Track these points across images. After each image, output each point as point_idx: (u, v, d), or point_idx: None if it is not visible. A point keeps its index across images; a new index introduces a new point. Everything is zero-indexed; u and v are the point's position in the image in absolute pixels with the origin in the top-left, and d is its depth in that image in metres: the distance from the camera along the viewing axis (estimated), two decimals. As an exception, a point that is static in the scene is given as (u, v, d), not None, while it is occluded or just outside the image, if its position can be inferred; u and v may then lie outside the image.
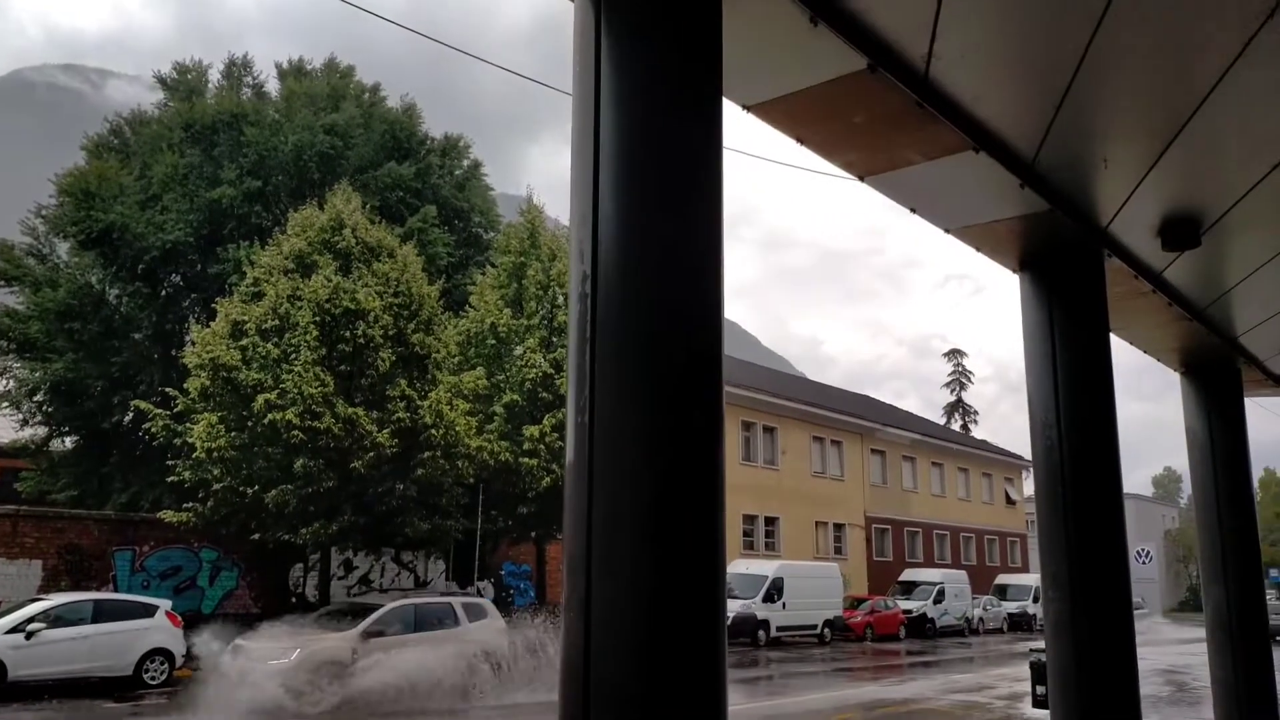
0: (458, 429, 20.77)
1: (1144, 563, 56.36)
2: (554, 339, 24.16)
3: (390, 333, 20.67)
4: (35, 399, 24.91)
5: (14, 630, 15.59)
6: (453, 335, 22.94)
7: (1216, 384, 10.07)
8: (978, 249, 6.84)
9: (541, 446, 22.43)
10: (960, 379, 80.00)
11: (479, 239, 30.65)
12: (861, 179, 5.68)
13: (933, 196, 5.96)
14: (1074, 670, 5.92)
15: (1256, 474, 11.92)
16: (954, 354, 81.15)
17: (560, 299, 24.95)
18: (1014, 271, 7.12)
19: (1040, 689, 11.52)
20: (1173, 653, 28.57)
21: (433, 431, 20.30)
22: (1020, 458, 55.26)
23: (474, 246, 30.06)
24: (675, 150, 3.26)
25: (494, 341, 24.18)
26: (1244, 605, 9.58)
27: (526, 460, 22.31)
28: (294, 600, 23.96)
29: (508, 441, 22.60)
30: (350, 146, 27.44)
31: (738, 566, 30.46)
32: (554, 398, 23.26)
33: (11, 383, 25.29)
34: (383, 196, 26.68)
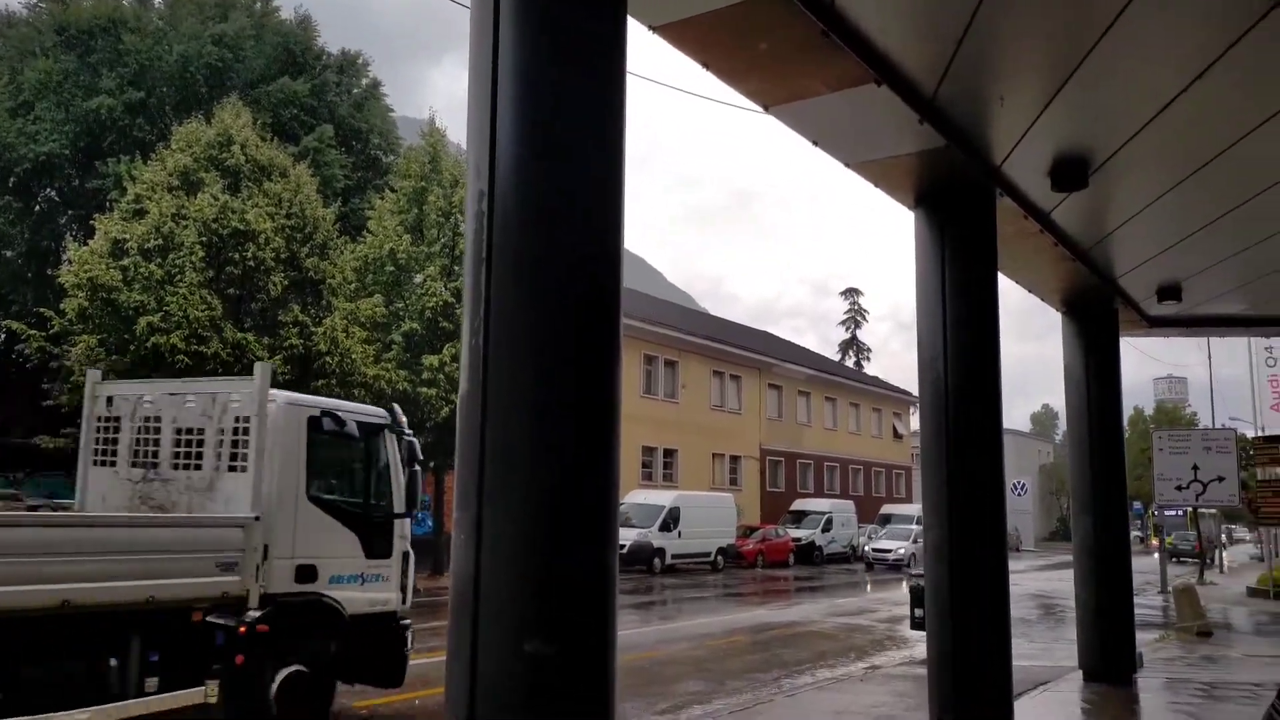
0: (354, 357, 20.29)
1: (1019, 495, 59.48)
2: (455, 267, 23.70)
3: (282, 256, 19.92)
4: (-107, 316, 23.29)
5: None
6: (349, 260, 22.26)
7: (1095, 324, 10.56)
8: (876, 184, 6.94)
9: (441, 376, 22.15)
10: (855, 317, 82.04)
11: (378, 162, 29.67)
12: (766, 109, 5.66)
13: (835, 129, 6.00)
14: (949, 594, 6.22)
15: (1126, 412, 12.61)
16: (850, 293, 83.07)
17: (463, 226, 24.41)
18: (910, 208, 7.26)
19: (919, 611, 12.10)
20: (1041, 578, 30.38)
21: (327, 359, 19.80)
22: (908, 394, 57.28)
23: (372, 169, 29.10)
24: (577, 66, 3.16)
25: (393, 268, 23.59)
26: (1109, 534, 10.21)
27: (425, 390, 22.02)
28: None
29: (406, 371, 22.23)
30: (240, 59, 26.06)
31: (635, 496, 30.91)
32: (454, 327, 22.91)
33: None
34: (275, 113, 25.49)
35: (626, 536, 27.83)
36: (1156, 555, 28.03)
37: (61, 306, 19.09)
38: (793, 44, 4.78)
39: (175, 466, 7.60)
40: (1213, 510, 36.18)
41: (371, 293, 22.71)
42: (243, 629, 6.71)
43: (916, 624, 12.48)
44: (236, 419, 7.32)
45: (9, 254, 23.00)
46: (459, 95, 3.41)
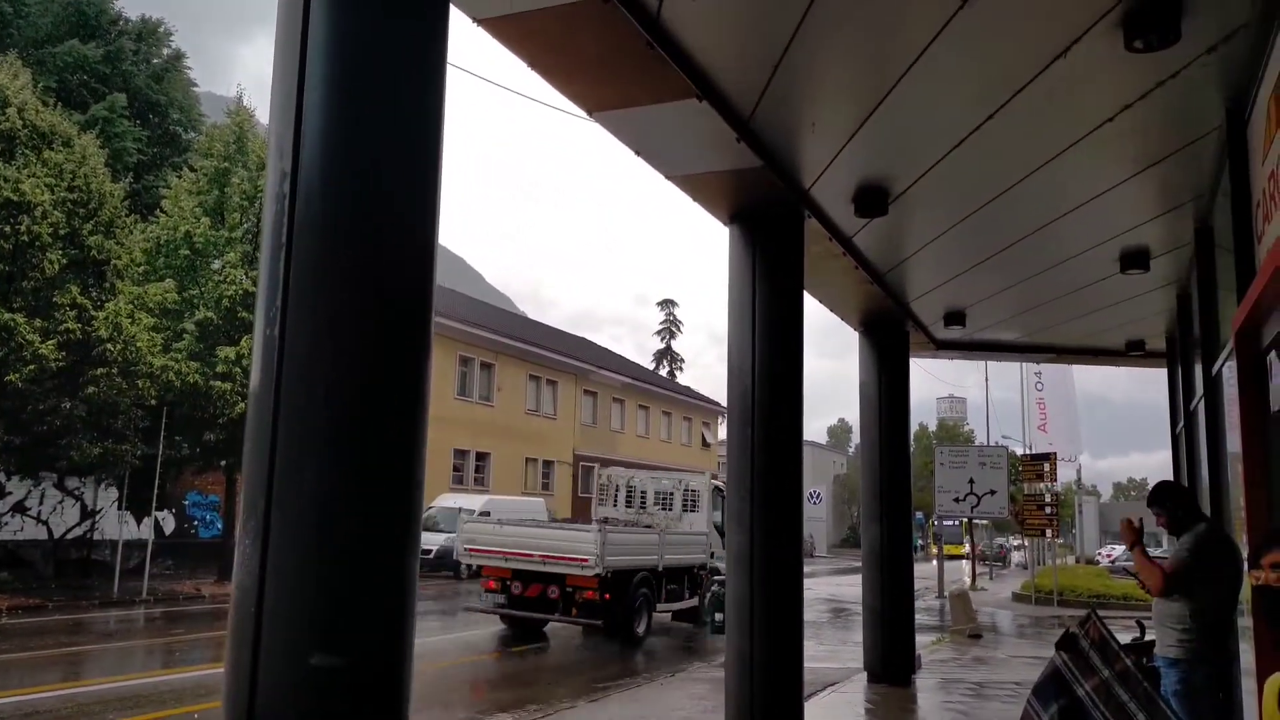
0: (139, 345, 18.85)
1: (815, 503, 62.48)
2: (258, 255, 22.49)
3: (62, 232, 18.26)
4: None
5: None
6: (139, 241, 20.68)
7: (889, 344, 11.21)
8: (694, 198, 7.08)
9: (237, 370, 20.90)
10: (670, 328, 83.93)
11: (177, 138, 27.77)
12: (590, 114, 5.66)
13: (656, 140, 6.07)
14: (749, 599, 6.41)
15: (912, 428, 13.47)
16: (666, 303, 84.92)
17: (268, 212, 23.22)
18: (724, 224, 7.46)
19: (718, 616, 12.44)
20: (832, 582, 31.98)
21: (109, 346, 18.29)
22: (718, 404, 59.10)
23: (171, 146, 27.20)
24: (393, 51, 3.03)
25: (188, 252, 22.06)
26: (895, 541, 10.85)
27: (219, 384, 20.73)
28: (-74, 529, 20.91)
29: (199, 362, 20.85)
30: (22, 15, 23.76)
31: (444, 500, 30.31)
32: (254, 318, 21.72)
33: None
34: (61, 77, 23.39)
35: (433, 541, 27.23)
36: (935, 562, 30.12)
37: None
38: (618, 51, 4.80)
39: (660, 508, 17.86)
40: (985, 521, 39.31)
41: (163, 277, 21.19)
42: (704, 573, 16.68)
43: (717, 629, 12.84)
44: (689, 489, 18.18)
45: None
46: (269, 75, 3.19)
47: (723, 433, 59.25)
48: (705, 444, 59.25)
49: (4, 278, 17.82)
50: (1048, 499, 22.96)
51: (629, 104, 5.40)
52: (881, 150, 6.27)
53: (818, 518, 62.38)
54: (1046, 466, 22.49)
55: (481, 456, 37.85)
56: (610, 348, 65.70)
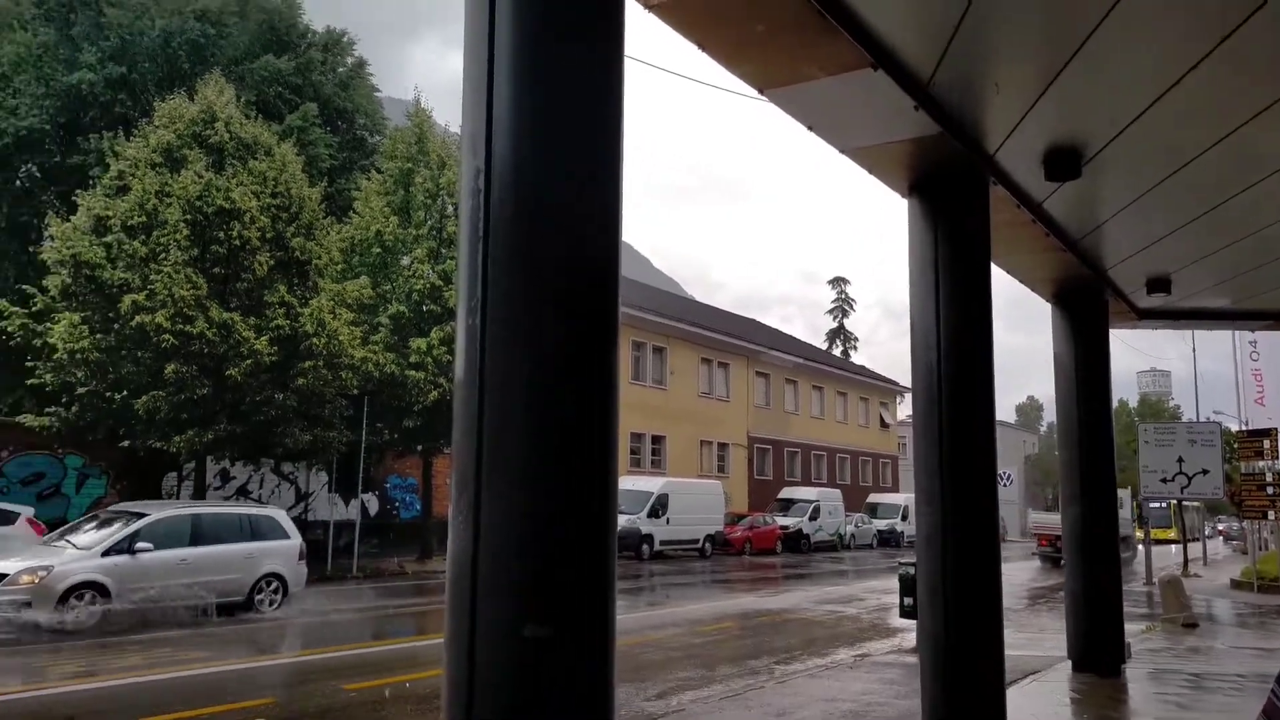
0: (341, 339, 20.18)
1: (1005, 485, 59.80)
2: (443, 250, 23.58)
3: (268, 235, 19.77)
4: None
5: None
6: (335, 241, 22.11)
7: (1085, 315, 10.56)
8: (870, 171, 6.89)
9: (429, 360, 22.05)
10: (843, 306, 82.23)
11: (363, 142, 29.43)
12: (761, 92, 5.61)
13: (830, 114, 5.94)
14: (941, 581, 6.22)
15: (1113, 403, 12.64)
16: (838, 281, 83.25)
17: (450, 209, 24.28)
18: (903, 196, 7.22)
19: (909, 600, 12.14)
20: (1029, 568, 30.58)
21: (314, 340, 19.67)
22: (896, 383, 57.45)
23: (358, 150, 28.86)
24: (575, 41, 3.11)
25: (380, 250, 23.44)
26: (1098, 524, 10.25)
27: (413, 373, 21.92)
28: (165, 511, 23.19)
29: (394, 354, 22.12)
30: (224, 35, 25.77)
31: (624, 482, 30.91)
32: (442, 310, 22.81)
33: None
34: (259, 91, 25.24)
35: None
36: (1141, 546, 28.23)
37: (44, 283, 18.90)
38: (790, 26, 4.73)
39: None
40: (1197, 503, 36.48)
41: (358, 274, 22.57)
42: None
43: (906, 612, 12.53)
44: None
45: (-10, 231, 22.73)
46: (442, 76, 3.34)
47: (902, 412, 57.55)
48: (884, 424, 57.78)
49: (221, 280, 19.46)
50: (1269, 478, 21.08)
51: (801, 79, 5.31)
52: (1073, 109, 5.90)
53: (1009, 500, 59.70)
54: (1266, 443, 20.63)
55: (657, 439, 38.37)
56: (781, 328, 65.02)
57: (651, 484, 31.45)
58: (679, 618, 16.01)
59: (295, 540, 16.23)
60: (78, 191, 20.23)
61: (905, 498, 45.16)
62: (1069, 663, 10.16)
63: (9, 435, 20.58)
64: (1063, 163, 6.56)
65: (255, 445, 20.75)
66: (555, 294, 2.91)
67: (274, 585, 15.55)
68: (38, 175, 24.21)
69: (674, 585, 22.38)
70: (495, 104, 3.02)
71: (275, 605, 15.39)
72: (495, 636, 2.53)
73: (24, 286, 19.58)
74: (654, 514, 30.12)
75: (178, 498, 23.25)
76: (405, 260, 23.47)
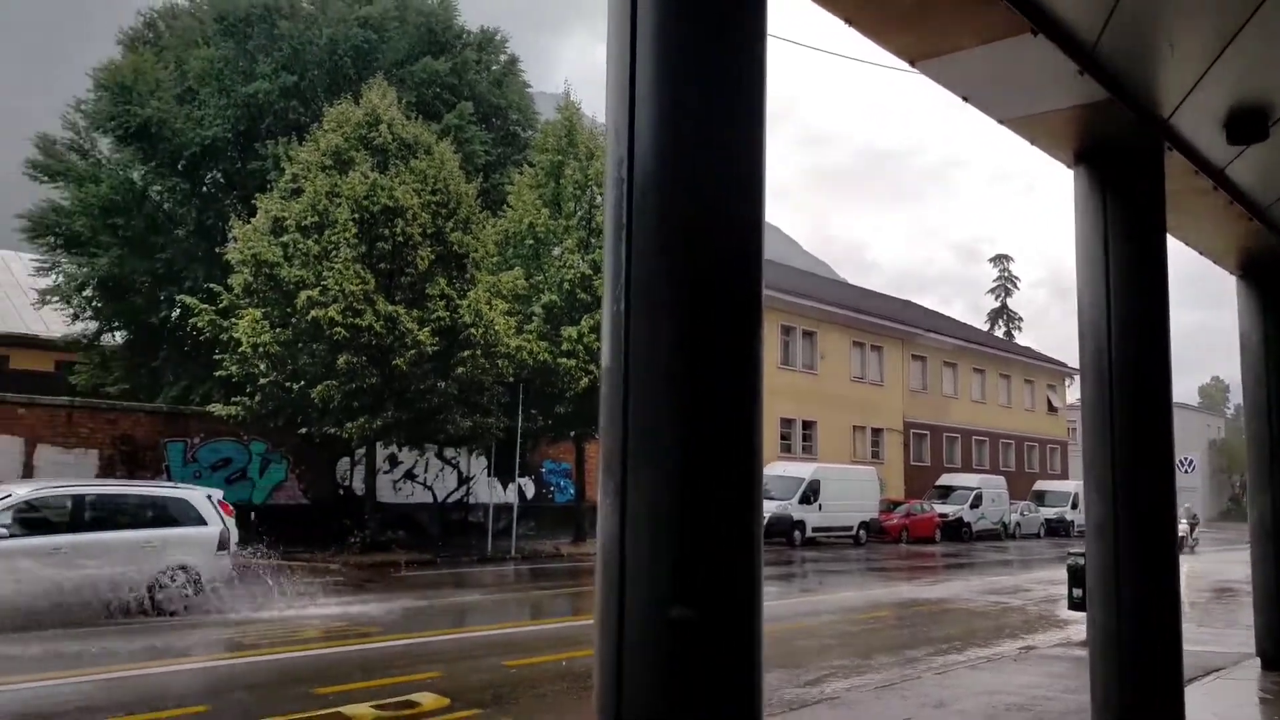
0: (497, 328, 20.84)
1: (1187, 471, 55.90)
2: (592, 240, 23.97)
3: (429, 231, 20.61)
4: (84, 294, 25.34)
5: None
6: (491, 235, 22.83)
7: (1275, 287, 9.74)
8: (1032, 141, 6.56)
9: (580, 347, 22.50)
10: (1005, 284, 78.79)
11: (516, 137, 30.20)
12: (912, 64, 5.42)
13: (987, 84, 5.69)
14: (1114, 573, 5.90)
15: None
16: (999, 259, 79.82)
17: (599, 199, 24.65)
18: (1069, 166, 6.84)
19: (1078, 591, 11.57)
20: (1213, 560, 28.56)
21: (472, 330, 20.41)
22: (1064, 365, 54.61)
23: (511, 145, 29.64)
24: (716, 25, 3.09)
25: (532, 242, 24.07)
26: (1289, 512, 9.46)
27: (565, 361, 22.43)
28: (341, 492, 24.64)
29: (546, 342, 22.69)
30: (385, 40, 26.93)
31: (775, 469, 30.73)
32: (592, 299, 23.21)
33: (60, 278, 25.72)
34: (418, 92, 26.27)
35: (766, 508, 27.60)
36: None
37: (229, 281, 20.35)
38: (942, -5, 4.55)
39: None
40: None
41: (512, 266, 23.24)
42: None
43: (1075, 604, 11.95)
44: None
45: (180, 233, 24.61)
46: (591, 68, 3.39)
47: (1071, 395, 54.70)
48: (1052, 408, 55.09)
49: (386, 274, 20.44)
50: None
51: (954, 48, 5.11)
52: (1258, 65, 5.44)
53: (1190, 487, 55.69)
54: None
55: (808, 425, 37.89)
56: (939, 309, 62.88)
57: (803, 470, 31.09)
58: (833, 605, 15.80)
59: (214, 528, 13.49)
60: (257, 195, 21.67)
61: (1074, 485, 42.95)
62: (1257, 660, 9.44)
63: (200, 424, 22.31)
64: (1247, 124, 6.07)
65: (420, 431, 21.74)
66: (698, 280, 2.91)
67: (181, 580, 12.69)
68: (221, 181, 26.04)
69: (827, 572, 22.08)
70: (637, 93, 3.05)
71: (185, 605, 12.61)
72: (643, 618, 2.57)
73: (212, 285, 21.14)
74: (805, 500, 29.77)
75: (350, 482, 24.66)
76: (556, 251, 24.01)
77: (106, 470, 20.82)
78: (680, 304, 2.87)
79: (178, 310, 23.57)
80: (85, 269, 24.60)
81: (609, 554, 2.65)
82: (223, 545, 13.51)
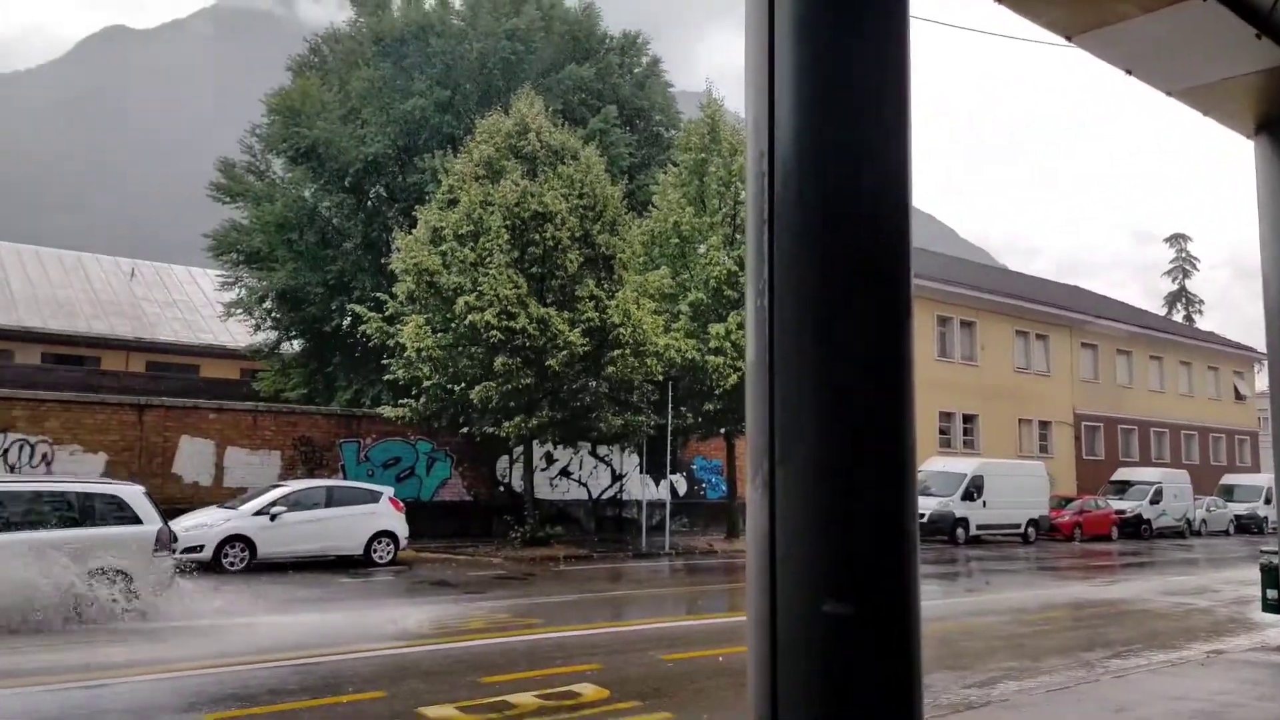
0: (645, 327, 21.07)
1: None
2: (737, 236, 23.90)
3: (577, 234, 21.05)
4: (264, 306, 27.23)
5: (260, 513, 17.43)
6: (637, 235, 23.10)
7: None
8: (1205, 113, 6.14)
9: (727, 344, 22.47)
10: (1183, 266, 73.70)
11: (660, 137, 30.45)
12: (1069, 39, 5.17)
13: (1152, 54, 5.36)
14: (1310, 571, 5.44)
15: None
16: (1176, 239, 74.66)
17: (742, 195, 24.54)
18: (1247, 137, 6.37)
19: (1272, 593, 10.73)
20: None
21: (621, 330, 20.71)
22: (1252, 350, 50.58)
23: (655, 145, 29.91)
24: (856, 13, 3.05)
25: (677, 240, 24.20)
26: None
27: (712, 358, 22.45)
28: (501, 489, 25.51)
29: (694, 340, 22.78)
30: (531, 50, 27.67)
31: (934, 464, 29.78)
32: (738, 295, 23.13)
33: (243, 291, 27.73)
34: (565, 99, 26.86)
35: (926, 505, 26.91)
36: None
37: (393, 290, 21.40)
38: (1100, -38, 4.33)
39: None
40: None
41: (658, 265, 23.43)
42: None
43: (1270, 606, 11.08)
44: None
45: (348, 245, 26.05)
46: (734, 65, 3.40)
47: (1261, 382, 50.61)
48: (1239, 396, 51.13)
49: (538, 278, 21.01)
50: None
51: (1116, 19, 4.85)
52: None
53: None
54: None
55: (968, 418, 36.54)
56: (1109, 294, 59.39)
57: (964, 465, 30.00)
58: (1000, 605, 15.20)
59: (149, 527, 12.13)
60: (416, 207, 22.69)
61: (1267, 478, 39.73)
62: None
63: (372, 425, 23.54)
64: None
65: (573, 429, 22.25)
66: (842, 272, 2.88)
67: (111, 587, 11.35)
68: (384, 195, 27.40)
69: (994, 571, 21.25)
70: (777, 86, 3.04)
71: (121, 613, 11.27)
72: (795, 613, 2.56)
73: (378, 294, 22.29)
74: (968, 497, 28.71)
75: (509, 479, 25.49)
76: (701, 248, 24.05)
77: (287, 470, 22.26)
78: (824, 296, 2.85)
79: (348, 318, 24.98)
80: (264, 282, 26.42)
81: (759, 549, 2.66)
82: (162, 546, 12.12)
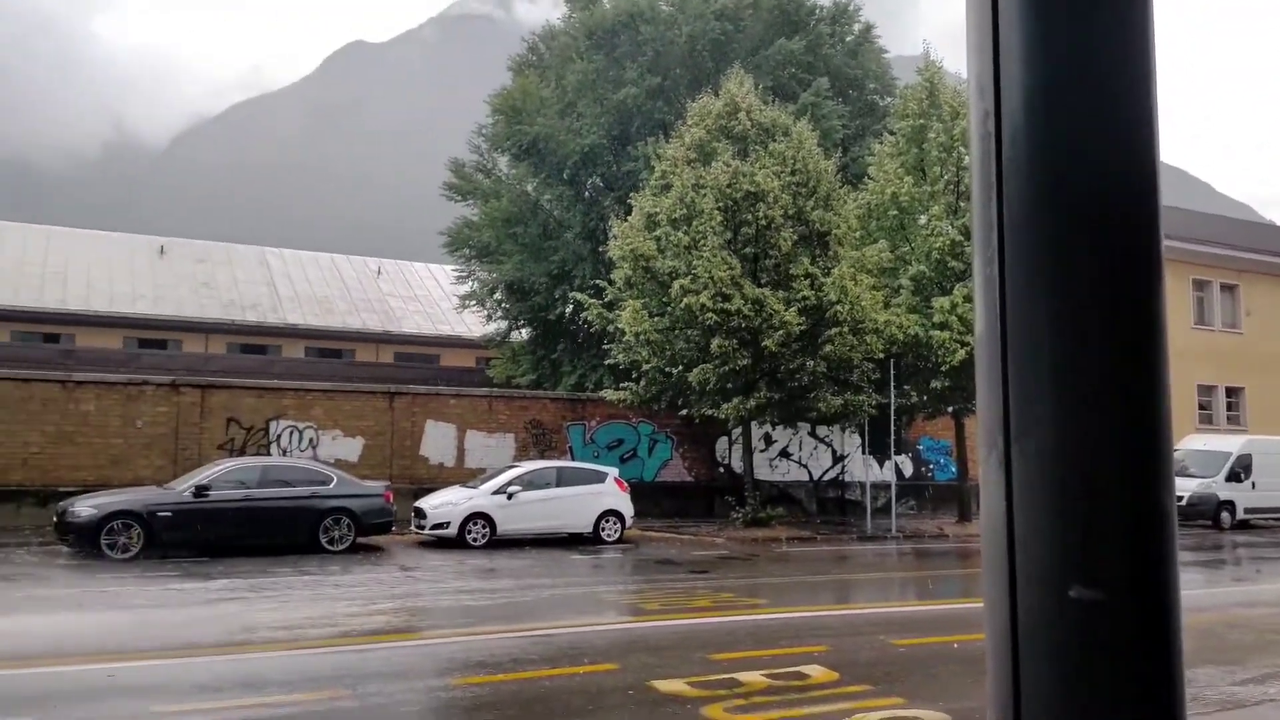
0: (863, 304, 20.54)
1: None
2: (961, 204, 22.77)
3: (790, 212, 20.78)
4: (494, 297, 28.80)
5: (498, 492, 18.48)
6: (852, 210, 22.51)
7: None
8: None
9: (953, 318, 21.48)
10: None
11: (874, 107, 29.49)
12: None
13: None
14: None
15: None
16: None
17: (966, 160, 23.32)
18: None
19: None
20: None
21: (838, 308, 20.28)
22: None
23: (870, 115, 29.00)
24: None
25: (896, 212, 23.36)
26: None
27: (937, 333, 21.54)
28: (721, 470, 25.71)
29: (917, 315, 21.96)
30: (740, 29, 27.53)
31: (1192, 442, 27.23)
32: (964, 267, 22.05)
33: (475, 284, 29.46)
34: (774, 75, 26.55)
35: (1185, 487, 24.68)
36: None
37: (612, 276, 21.99)
38: None
39: None
40: None
41: (876, 239, 22.74)
42: None
43: None
44: None
45: (568, 236, 27.01)
46: (950, 23, 3.22)
47: None
48: None
49: (751, 259, 20.93)
50: None
51: None
52: None
53: None
54: None
55: (1232, 392, 33.15)
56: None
57: (1229, 444, 27.23)
58: (1273, 596, 13.72)
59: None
60: (631, 194, 23.19)
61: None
62: None
63: (596, 408, 24.36)
64: None
65: (791, 410, 22.06)
66: (1079, 234, 2.67)
67: None
68: (600, 184, 28.20)
69: (1266, 559, 19.21)
70: (1001, 39, 2.85)
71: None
72: (1037, 599, 2.41)
73: (597, 281, 22.98)
74: (1234, 478, 26.04)
75: (729, 460, 25.64)
76: (922, 219, 23.10)
77: (520, 452, 23.46)
78: (1061, 261, 2.65)
79: (570, 306, 25.96)
80: (494, 275, 27.93)
81: (995, 532, 2.52)
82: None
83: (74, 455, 19.53)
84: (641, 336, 20.71)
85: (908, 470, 27.77)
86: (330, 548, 16.24)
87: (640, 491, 21.80)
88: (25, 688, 7.37)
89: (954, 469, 26.13)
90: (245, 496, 16.10)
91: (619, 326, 21.23)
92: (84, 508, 15.11)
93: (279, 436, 21.47)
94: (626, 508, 19.53)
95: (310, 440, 21.75)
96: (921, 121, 23.67)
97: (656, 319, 20.90)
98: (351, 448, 22.02)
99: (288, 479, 16.82)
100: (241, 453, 20.31)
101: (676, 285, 20.02)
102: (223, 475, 16.37)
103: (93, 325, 33.60)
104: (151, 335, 34.34)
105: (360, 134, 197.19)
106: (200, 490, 15.82)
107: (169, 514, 15.48)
